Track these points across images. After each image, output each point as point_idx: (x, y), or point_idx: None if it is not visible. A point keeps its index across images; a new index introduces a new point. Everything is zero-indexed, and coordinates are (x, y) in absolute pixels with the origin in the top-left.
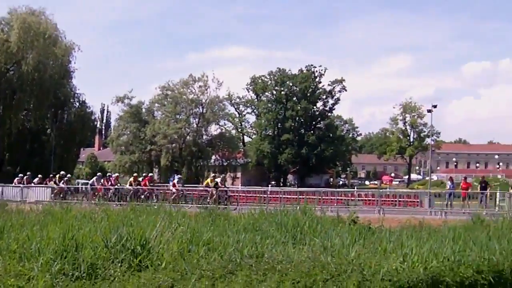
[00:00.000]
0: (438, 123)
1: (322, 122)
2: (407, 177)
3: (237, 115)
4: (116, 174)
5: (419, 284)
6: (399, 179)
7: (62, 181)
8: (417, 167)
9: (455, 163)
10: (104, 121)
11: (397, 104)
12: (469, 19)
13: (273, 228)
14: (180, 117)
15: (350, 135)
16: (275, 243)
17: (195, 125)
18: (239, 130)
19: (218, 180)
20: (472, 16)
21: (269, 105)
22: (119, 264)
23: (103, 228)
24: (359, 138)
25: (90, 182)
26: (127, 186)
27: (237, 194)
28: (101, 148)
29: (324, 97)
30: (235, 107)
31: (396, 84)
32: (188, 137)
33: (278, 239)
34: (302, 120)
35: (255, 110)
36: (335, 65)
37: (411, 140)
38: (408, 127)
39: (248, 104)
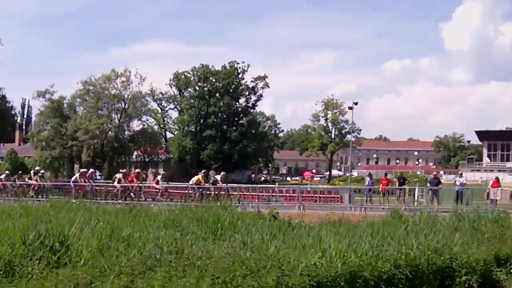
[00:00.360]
0: (359, 119)
1: (244, 119)
2: (328, 173)
3: (160, 111)
4: (92, 170)
5: (337, 279)
6: (320, 175)
7: (36, 177)
8: (338, 163)
9: (376, 160)
10: (25, 116)
11: (319, 101)
12: (390, 18)
13: (193, 224)
14: (102, 112)
15: (273, 132)
16: (195, 239)
17: (117, 121)
18: (162, 126)
19: (218, 177)
20: (393, 15)
21: (192, 101)
22: (37, 261)
23: (21, 225)
24: (281, 135)
25: (72, 179)
26: (115, 183)
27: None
28: (22, 144)
29: (247, 93)
30: (158, 102)
31: (319, 81)
32: (110, 133)
33: (198, 235)
34: (224, 116)
35: (177, 106)
36: (259, 61)
37: (333, 136)
38: (329, 124)
39: (171, 100)
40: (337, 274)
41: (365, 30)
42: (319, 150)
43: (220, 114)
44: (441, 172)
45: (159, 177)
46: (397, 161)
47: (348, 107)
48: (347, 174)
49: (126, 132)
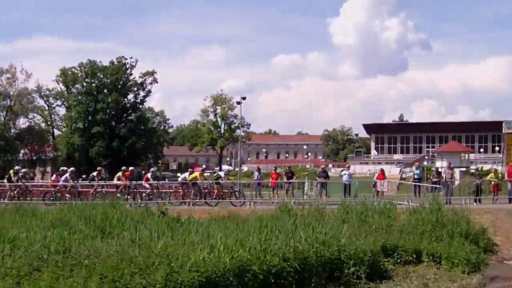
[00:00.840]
0: (249, 114)
1: (133, 115)
2: (218, 168)
3: (47, 108)
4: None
5: (226, 274)
6: (210, 171)
7: (17, 177)
8: (228, 158)
9: (266, 154)
10: None
11: (208, 96)
12: (278, 13)
13: (81, 223)
14: None
15: (162, 127)
16: (83, 238)
17: (2, 118)
18: (49, 123)
19: (222, 174)
20: (281, 9)
21: (80, 97)
22: None
23: None
24: (170, 130)
25: (62, 179)
26: (115, 181)
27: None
28: None
29: (136, 89)
30: (45, 99)
31: (208, 76)
32: None
33: (86, 234)
34: (113, 112)
35: (65, 103)
36: (148, 57)
37: (222, 131)
38: (219, 119)
39: (58, 97)
40: (226, 269)
41: (253, 25)
42: (208, 145)
43: (108, 110)
44: (330, 165)
45: (149, 175)
46: (287, 155)
47: (237, 102)
48: (237, 169)
49: (12, 130)
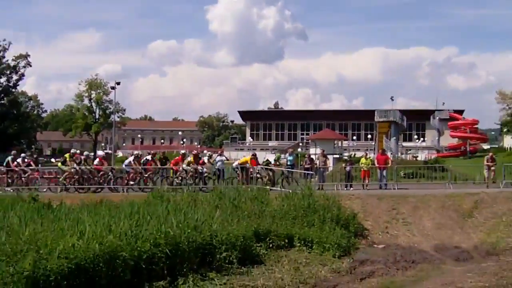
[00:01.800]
0: (125, 100)
1: (5, 99)
2: (93, 154)
3: None
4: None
5: (96, 260)
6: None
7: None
8: (103, 144)
9: (141, 140)
10: None
11: (83, 81)
12: None
13: None
14: None
15: (35, 112)
16: None
17: None
18: None
19: (272, 158)
20: None
21: None
22: None
23: None
24: (44, 115)
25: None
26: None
27: None
28: None
29: (8, 72)
30: None
31: (84, 60)
32: None
33: None
34: None
35: None
36: (22, 39)
37: (97, 117)
38: (93, 104)
39: None
40: (95, 255)
41: (130, 10)
42: (83, 130)
43: None
44: (205, 151)
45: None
46: (162, 141)
47: (111, 87)
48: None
49: None
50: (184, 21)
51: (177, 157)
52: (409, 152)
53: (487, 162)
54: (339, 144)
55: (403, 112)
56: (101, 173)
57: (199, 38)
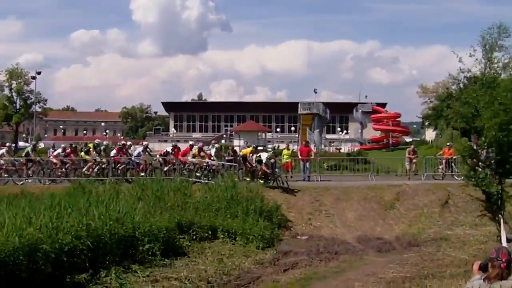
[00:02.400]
0: (47, 90)
1: None
2: (14, 145)
3: None
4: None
5: (16, 252)
6: (6, 147)
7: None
8: (24, 135)
9: (63, 131)
10: None
11: (2, 70)
12: None
13: None
14: None
15: None
16: None
17: None
18: None
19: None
20: None
21: None
22: None
23: None
24: None
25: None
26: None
27: None
28: None
29: None
30: None
31: (4, 49)
32: None
33: None
34: None
35: None
36: None
37: (18, 107)
38: (14, 94)
39: None
40: (15, 248)
41: None
42: (4, 121)
43: None
44: (129, 143)
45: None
46: (85, 132)
47: (32, 76)
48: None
49: None
50: (107, 11)
51: (185, 148)
52: (332, 144)
53: (409, 154)
54: (263, 136)
55: (327, 104)
56: (121, 164)
57: (122, 28)
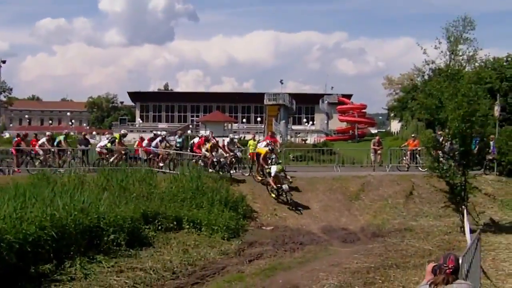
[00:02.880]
0: (12, 79)
1: None
2: None
3: None
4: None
5: None
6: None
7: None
8: None
9: (29, 120)
10: None
11: None
12: None
13: None
14: None
15: None
16: None
17: None
18: None
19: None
20: None
21: None
22: None
23: None
24: None
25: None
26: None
27: None
28: None
29: None
30: None
31: None
32: None
33: None
34: None
35: None
36: None
37: None
38: None
39: None
40: None
41: None
42: None
43: None
44: (94, 133)
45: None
46: (50, 121)
47: None
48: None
49: None
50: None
51: (199, 140)
52: (298, 135)
53: (374, 146)
54: (229, 127)
55: (293, 95)
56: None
57: (89, 17)
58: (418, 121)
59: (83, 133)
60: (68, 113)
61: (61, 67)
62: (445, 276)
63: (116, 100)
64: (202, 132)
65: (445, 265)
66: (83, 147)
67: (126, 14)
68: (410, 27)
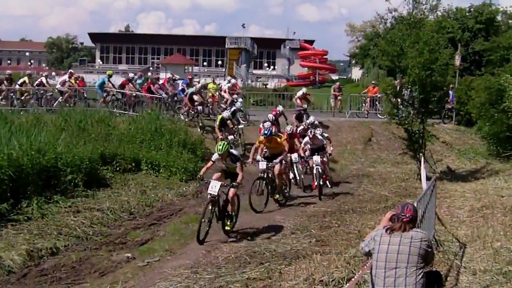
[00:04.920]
0: None
1: None
2: None
3: None
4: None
5: None
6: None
7: None
8: None
9: None
10: None
11: None
12: None
13: None
14: None
15: None
16: None
17: None
18: None
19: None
20: None
21: None
22: None
23: None
24: None
25: None
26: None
27: None
28: None
29: None
30: None
31: None
32: None
33: None
34: None
35: None
36: None
37: None
38: None
39: None
40: None
41: None
42: None
43: None
44: (53, 73)
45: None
46: (9, 61)
47: None
48: None
49: None
50: None
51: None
52: (259, 79)
53: (334, 92)
54: (190, 69)
55: (255, 40)
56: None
57: None
58: (379, 68)
59: (46, 74)
60: (27, 53)
61: (20, 6)
62: (402, 224)
63: (76, 41)
64: (162, 75)
65: (402, 214)
66: (41, 87)
67: None
68: None
